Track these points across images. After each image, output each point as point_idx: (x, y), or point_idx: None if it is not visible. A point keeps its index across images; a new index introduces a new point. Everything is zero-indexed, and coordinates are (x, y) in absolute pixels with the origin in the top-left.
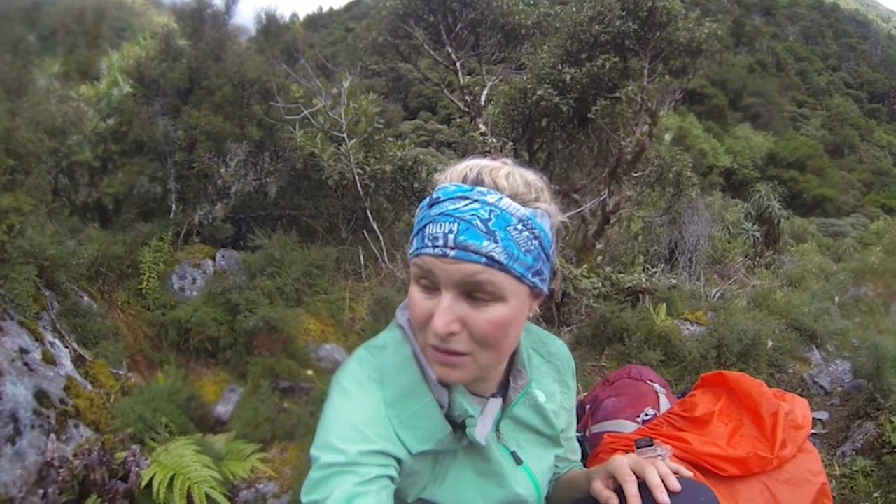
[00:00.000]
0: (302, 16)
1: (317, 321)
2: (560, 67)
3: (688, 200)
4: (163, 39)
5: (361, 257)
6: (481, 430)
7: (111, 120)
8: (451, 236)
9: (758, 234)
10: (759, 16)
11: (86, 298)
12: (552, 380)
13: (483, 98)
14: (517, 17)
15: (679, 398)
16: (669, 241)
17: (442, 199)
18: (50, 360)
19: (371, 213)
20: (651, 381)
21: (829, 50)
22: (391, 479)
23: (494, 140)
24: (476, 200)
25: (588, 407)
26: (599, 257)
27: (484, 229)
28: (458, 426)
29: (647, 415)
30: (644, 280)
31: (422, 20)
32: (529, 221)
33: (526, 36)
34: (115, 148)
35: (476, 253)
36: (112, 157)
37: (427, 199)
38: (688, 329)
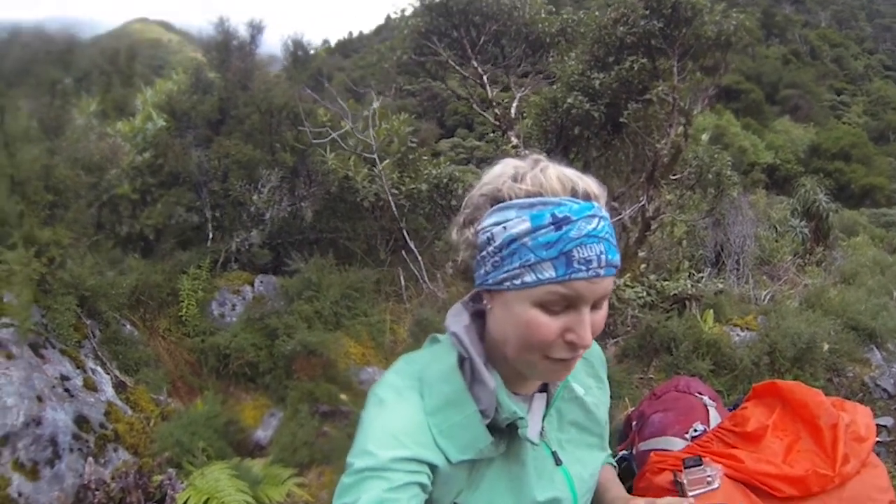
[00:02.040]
0: (333, 41)
1: (357, 344)
2: (588, 74)
3: (730, 201)
4: (192, 73)
5: (402, 278)
6: (533, 429)
7: (147, 153)
8: (602, 257)
9: (806, 231)
10: (788, 4)
11: (128, 326)
12: (586, 374)
13: (513, 110)
14: (540, 25)
15: (730, 410)
16: (715, 244)
17: (573, 218)
18: (91, 387)
19: (408, 233)
20: (700, 393)
21: (864, 33)
22: (422, 486)
23: (528, 152)
24: (602, 217)
25: (635, 423)
26: (643, 265)
27: (614, 244)
28: (500, 433)
29: (695, 430)
30: (690, 286)
31: (445, 36)
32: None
33: (551, 44)
34: (152, 180)
35: (614, 266)
36: (150, 189)
37: (546, 218)
38: (738, 335)
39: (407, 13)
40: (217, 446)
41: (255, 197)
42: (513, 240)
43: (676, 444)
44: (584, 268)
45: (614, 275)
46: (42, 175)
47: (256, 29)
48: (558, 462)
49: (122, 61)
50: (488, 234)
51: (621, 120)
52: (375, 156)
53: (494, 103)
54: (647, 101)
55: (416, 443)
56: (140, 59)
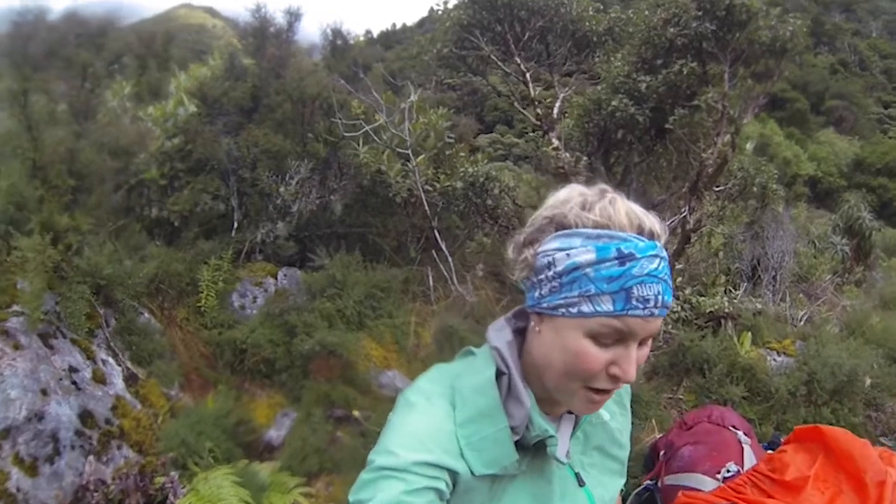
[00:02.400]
0: (375, 33)
1: (379, 346)
2: (634, 76)
3: (772, 214)
4: (227, 59)
5: (430, 278)
6: (561, 448)
7: (176, 139)
8: (660, 298)
9: (846, 249)
10: (838, 13)
11: (145, 314)
12: (612, 401)
13: (555, 110)
14: (587, 23)
15: (765, 448)
16: (752, 257)
17: (637, 256)
18: (100, 379)
19: (440, 232)
20: (734, 427)
21: None
22: (439, 493)
23: (568, 155)
24: (663, 258)
25: (662, 453)
26: (679, 278)
27: (671, 286)
28: (525, 451)
29: (728, 471)
30: (727, 304)
31: (488, 30)
32: None
33: (598, 43)
34: (181, 166)
35: (668, 307)
36: (178, 174)
37: (611, 252)
38: (774, 360)
39: (450, 5)
40: (225, 447)
41: (282, 189)
42: (575, 268)
43: (706, 484)
44: (641, 306)
45: (664, 315)
46: (66, 159)
47: (294, 16)
48: (581, 483)
49: (158, 45)
50: (549, 258)
51: (667, 126)
52: (409, 151)
53: (536, 102)
54: (695, 108)
55: (442, 449)
56: (183, 43)
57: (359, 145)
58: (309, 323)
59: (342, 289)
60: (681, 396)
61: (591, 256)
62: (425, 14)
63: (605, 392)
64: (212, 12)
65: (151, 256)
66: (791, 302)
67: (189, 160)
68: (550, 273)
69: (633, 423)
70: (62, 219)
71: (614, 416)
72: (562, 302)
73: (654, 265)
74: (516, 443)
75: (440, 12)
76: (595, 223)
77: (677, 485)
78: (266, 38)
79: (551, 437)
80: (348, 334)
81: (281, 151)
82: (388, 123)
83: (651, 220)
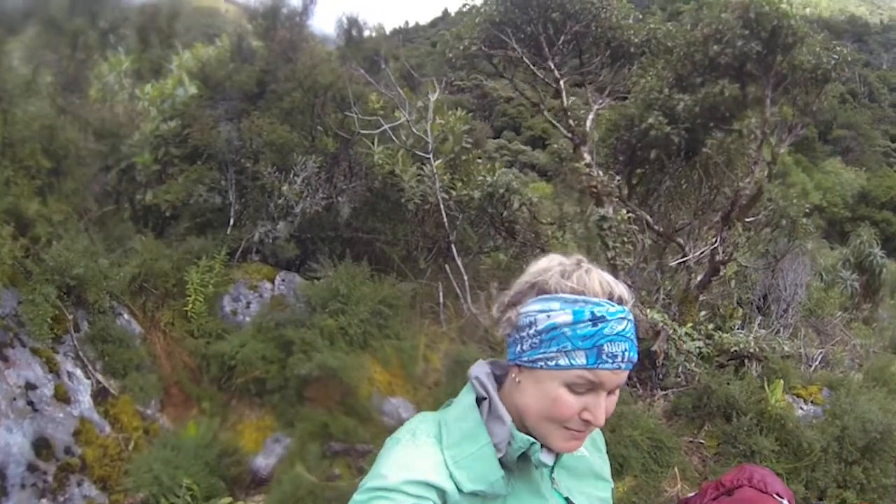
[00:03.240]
0: (388, 30)
1: (384, 370)
2: (669, 93)
3: (787, 247)
4: (234, 39)
5: (441, 295)
6: (546, 455)
7: (173, 122)
8: (626, 354)
9: (856, 285)
10: (849, 42)
11: (125, 315)
12: (587, 443)
13: (588, 123)
14: (626, 32)
15: None
16: (763, 288)
17: (608, 318)
18: (62, 398)
19: (455, 244)
20: (778, 495)
21: None
22: None
23: (601, 173)
24: (629, 320)
25: None
26: (702, 312)
27: (635, 343)
28: (511, 471)
29: None
30: (752, 343)
31: (519, 30)
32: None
33: (635, 55)
34: (176, 152)
35: (633, 362)
36: (172, 161)
37: (585, 314)
38: (801, 408)
39: (478, 1)
40: (206, 484)
41: (285, 186)
42: (554, 328)
43: None
44: (610, 360)
45: (629, 370)
46: (43, 136)
47: None
48: None
49: (162, 19)
50: (531, 318)
51: (705, 150)
52: (431, 154)
53: (569, 113)
54: (730, 132)
55: (429, 469)
56: (194, 27)
57: (373, 144)
58: (308, 340)
59: (346, 303)
60: (702, 441)
61: (568, 318)
62: (439, 14)
63: (580, 432)
64: None
65: (136, 251)
66: (805, 339)
67: (185, 146)
68: (531, 331)
69: (654, 471)
70: (31, 205)
71: (592, 454)
72: (541, 356)
73: (622, 326)
74: (503, 463)
75: (467, 8)
76: (572, 289)
77: None
78: (278, 19)
79: (533, 443)
80: (351, 357)
81: (287, 144)
82: (408, 122)
83: (620, 288)
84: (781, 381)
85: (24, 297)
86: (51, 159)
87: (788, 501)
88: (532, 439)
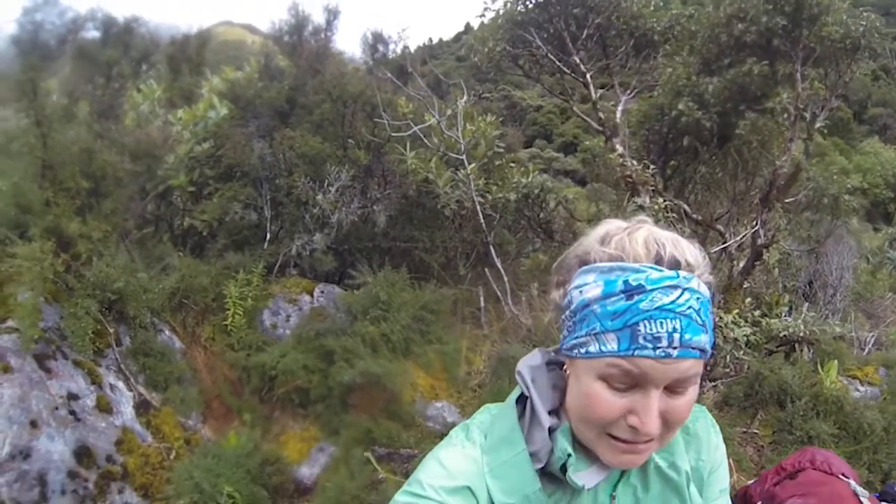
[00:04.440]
0: (412, 48)
1: (427, 375)
2: (697, 78)
3: (828, 229)
4: (262, 59)
5: (482, 299)
6: (587, 476)
7: (206, 143)
8: (676, 336)
9: None
10: (877, 15)
11: (166, 332)
12: (689, 448)
13: (618, 115)
14: (648, 20)
15: (879, 499)
16: (808, 274)
17: (647, 288)
18: (105, 408)
19: (494, 247)
20: (844, 475)
21: None
22: None
23: (635, 163)
24: (688, 289)
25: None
26: (748, 299)
27: (700, 322)
28: (557, 484)
29: None
30: (802, 327)
31: (542, 28)
32: (707, 301)
33: (659, 43)
34: (210, 172)
35: (695, 348)
36: (207, 181)
37: (618, 285)
38: (857, 390)
39: (498, 5)
40: (247, 492)
41: (319, 196)
42: (585, 305)
43: None
44: (650, 345)
45: (699, 358)
46: (81, 160)
47: (333, 14)
48: None
49: (192, 48)
50: (570, 297)
51: (738, 131)
52: (464, 157)
53: (598, 106)
54: (764, 111)
55: (464, 475)
56: (222, 59)
57: (405, 150)
58: (349, 349)
59: (387, 310)
60: (756, 430)
61: (598, 291)
62: (461, 29)
63: (631, 443)
64: (251, 29)
65: (174, 268)
66: (855, 323)
67: (219, 166)
68: (567, 313)
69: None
70: (72, 224)
71: (676, 466)
72: (575, 342)
73: (671, 298)
74: (547, 474)
75: (487, 19)
76: (609, 256)
77: None
78: (302, 36)
79: (570, 455)
80: (393, 363)
81: (319, 155)
82: (439, 124)
83: (681, 248)
84: (835, 362)
85: (67, 311)
86: (89, 180)
87: (854, 481)
88: (569, 450)
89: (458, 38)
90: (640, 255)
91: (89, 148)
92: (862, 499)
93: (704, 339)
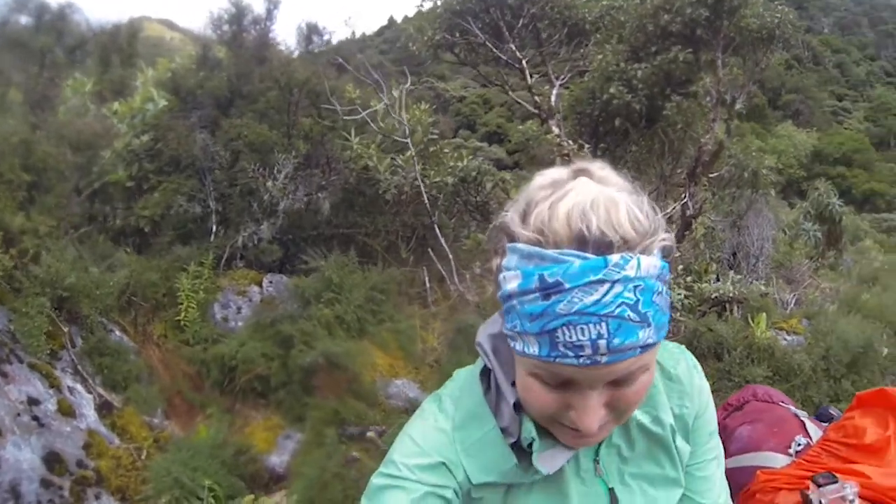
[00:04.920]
0: (335, 41)
1: (384, 354)
2: (626, 65)
3: (749, 202)
4: (200, 50)
5: (426, 279)
6: (549, 460)
7: (145, 136)
8: (602, 342)
9: (819, 235)
10: (790, 9)
11: (116, 332)
12: (665, 402)
13: (553, 98)
14: (580, 10)
15: (821, 422)
16: (732, 246)
17: (566, 286)
18: (67, 412)
19: (438, 228)
20: (783, 402)
21: (867, 39)
22: (445, 501)
23: (571, 142)
24: (617, 282)
25: None
26: (679, 266)
27: (637, 318)
28: (528, 455)
29: (798, 444)
30: (731, 288)
31: (478, 18)
32: (663, 272)
33: (590, 31)
34: (150, 166)
35: (632, 349)
36: (147, 176)
37: (533, 281)
38: (784, 339)
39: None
40: (226, 483)
41: (269, 183)
42: (508, 297)
43: (778, 461)
44: (571, 353)
45: (636, 355)
46: (20, 151)
47: (273, 3)
48: (615, 502)
49: (123, 39)
50: (499, 278)
51: (665, 112)
52: (409, 139)
53: (533, 90)
54: (687, 95)
55: (437, 450)
56: (142, 55)
57: (351, 136)
58: (307, 332)
59: (339, 293)
60: None
61: (515, 285)
62: (385, 23)
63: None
64: (170, 25)
65: (121, 264)
66: (776, 287)
67: (160, 159)
68: (499, 295)
69: None
70: (16, 219)
71: (661, 418)
72: (507, 332)
73: (594, 297)
74: (521, 447)
75: (426, 7)
76: (528, 238)
77: (744, 466)
78: (242, 26)
79: (533, 440)
80: (351, 343)
81: (266, 143)
82: (387, 108)
83: (614, 219)
84: (764, 315)
85: (18, 309)
86: (30, 173)
87: (794, 407)
88: (534, 434)
89: (381, 31)
90: (562, 236)
91: (27, 139)
92: (802, 418)
93: (645, 335)
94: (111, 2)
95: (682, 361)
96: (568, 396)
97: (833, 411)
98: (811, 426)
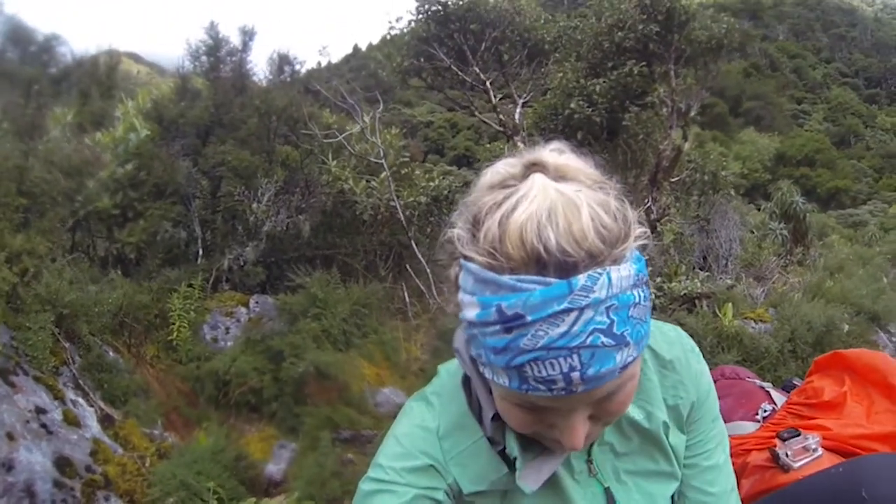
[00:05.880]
0: (303, 71)
1: (370, 364)
2: (583, 81)
3: (713, 206)
4: (179, 80)
5: (406, 294)
6: (532, 475)
7: (129, 165)
8: (575, 375)
9: (785, 233)
10: (746, 20)
11: (110, 353)
12: (659, 395)
13: (517, 116)
14: (539, 32)
15: (783, 390)
16: (701, 249)
17: (528, 318)
18: (73, 421)
19: (416, 245)
20: (749, 377)
21: (821, 43)
22: (436, 502)
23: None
24: (585, 307)
25: None
26: (650, 268)
27: (613, 343)
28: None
29: (764, 411)
30: (699, 285)
31: (444, 44)
32: (640, 276)
33: (549, 51)
34: (134, 194)
35: (610, 374)
36: (132, 204)
37: (492, 313)
38: (752, 327)
39: (402, 23)
40: (229, 486)
41: (254, 205)
42: (469, 324)
43: (748, 428)
44: (543, 387)
45: (616, 378)
46: (14, 176)
47: (248, 35)
48: (612, 501)
49: (101, 71)
50: (459, 295)
51: (624, 123)
52: (383, 160)
53: (498, 109)
54: (645, 105)
55: (425, 452)
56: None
57: (328, 159)
58: (296, 345)
59: (325, 308)
60: None
61: (474, 314)
62: (350, 51)
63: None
64: (135, 58)
65: (114, 286)
66: (746, 284)
67: (143, 187)
68: (460, 317)
69: None
70: (16, 240)
71: (654, 413)
72: (473, 356)
73: (561, 329)
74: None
75: (394, 32)
76: (480, 262)
77: None
78: (219, 57)
79: (515, 458)
80: (339, 354)
81: (250, 167)
82: (363, 132)
83: (576, 230)
84: (730, 304)
85: (21, 325)
86: (26, 197)
87: (759, 381)
88: (516, 452)
89: (347, 60)
90: (516, 259)
91: (21, 165)
92: (767, 389)
93: (624, 355)
94: (75, 34)
95: (677, 345)
96: (548, 417)
97: (796, 381)
98: (776, 395)
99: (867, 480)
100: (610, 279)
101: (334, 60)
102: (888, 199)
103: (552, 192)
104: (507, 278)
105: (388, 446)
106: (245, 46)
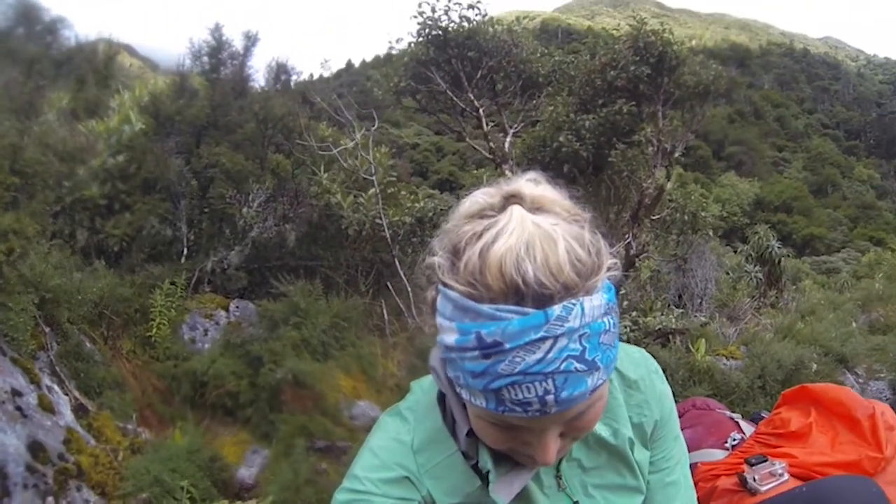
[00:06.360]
0: (292, 83)
1: (347, 376)
2: (575, 116)
3: (692, 246)
4: (177, 77)
5: (385, 311)
6: (504, 488)
7: (121, 157)
8: (549, 398)
9: (760, 276)
10: (734, 67)
11: (87, 344)
12: (625, 413)
13: (506, 145)
14: (534, 65)
15: (751, 421)
16: (677, 287)
17: (507, 346)
18: (48, 407)
19: (399, 263)
20: (719, 409)
21: (804, 94)
22: None
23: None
24: (560, 335)
25: None
26: (625, 302)
27: (585, 368)
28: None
29: (734, 439)
30: (673, 321)
31: (441, 69)
32: (611, 304)
33: (543, 84)
34: (123, 186)
35: (581, 396)
36: (119, 195)
37: (471, 339)
38: (724, 363)
39: (402, 45)
40: (202, 486)
41: (244, 209)
42: (446, 347)
43: (717, 455)
44: (519, 409)
45: (587, 399)
46: (8, 154)
47: (251, 40)
48: None
49: (99, 60)
50: (438, 319)
51: (610, 159)
52: (374, 176)
53: (489, 137)
54: (631, 144)
55: (400, 464)
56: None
57: (320, 170)
58: (275, 351)
59: (306, 317)
60: None
61: (452, 340)
62: (343, 66)
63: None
64: (130, 50)
65: (97, 276)
66: (719, 324)
67: (133, 180)
68: (437, 340)
69: None
70: (4, 218)
71: (619, 430)
72: (451, 377)
73: (537, 356)
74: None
75: (394, 50)
76: (460, 291)
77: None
78: (221, 59)
79: (488, 471)
80: (318, 364)
81: (242, 172)
82: (357, 147)
83: (552, 263)
84: (703, 340)
85: (4, 304)
86: (18, 177)
87: (729, 412)
88: (489, 466)
89: (338, 74)
90: (496, 290)
91: (16, 143)
92: (737, 420)
93: (594, 379)
94: (86, 19)
95: (642, 366)
96: (522, 435)
97: (764, 413)
98: (745, 425)
99: (829, 499)
100: (583, 309)
101: (326, 74)
102: (861, 248)
103: (530, 225)
104: (486, 307)
105: (363, 458)
106: (247, 51)
